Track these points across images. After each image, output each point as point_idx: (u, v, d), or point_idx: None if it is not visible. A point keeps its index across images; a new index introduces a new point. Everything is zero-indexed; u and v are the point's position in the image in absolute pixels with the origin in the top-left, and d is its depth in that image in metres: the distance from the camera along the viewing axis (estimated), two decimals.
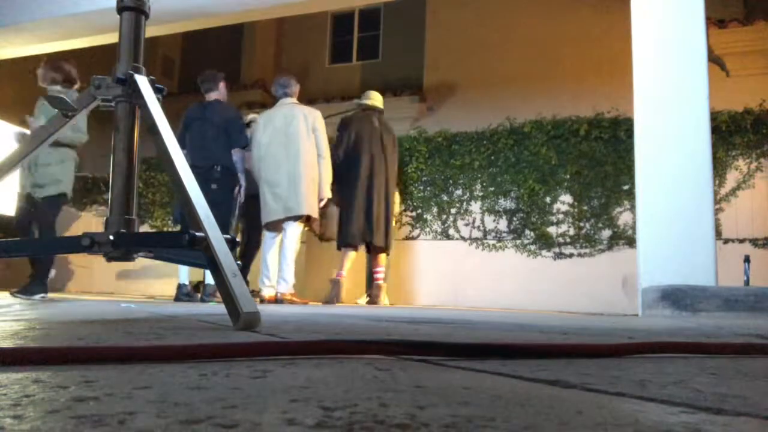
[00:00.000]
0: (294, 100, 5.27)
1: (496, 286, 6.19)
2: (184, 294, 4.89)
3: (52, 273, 4.91)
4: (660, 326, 2.16)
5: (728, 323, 2.48)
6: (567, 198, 6.19)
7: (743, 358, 0.98)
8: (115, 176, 1.59)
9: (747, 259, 5.14)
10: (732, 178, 5.73)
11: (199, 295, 4.90)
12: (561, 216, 6.18)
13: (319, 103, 10.03)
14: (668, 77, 3.77)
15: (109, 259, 1.58)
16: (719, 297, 3.24)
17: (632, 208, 5.60)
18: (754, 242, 5.58)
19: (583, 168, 6.11)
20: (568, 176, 6.17)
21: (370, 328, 1.65)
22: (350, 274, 5.69)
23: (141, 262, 6.68)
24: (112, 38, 5.80)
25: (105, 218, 1.60)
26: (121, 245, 1.51)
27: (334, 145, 5.59)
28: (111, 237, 1.49)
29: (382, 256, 5.70)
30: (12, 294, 4.37)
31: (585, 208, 6.11)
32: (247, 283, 3.74)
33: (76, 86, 4.71)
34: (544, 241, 6.16)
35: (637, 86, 3.84)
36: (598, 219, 6.05)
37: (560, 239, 6.14)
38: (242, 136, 4.96)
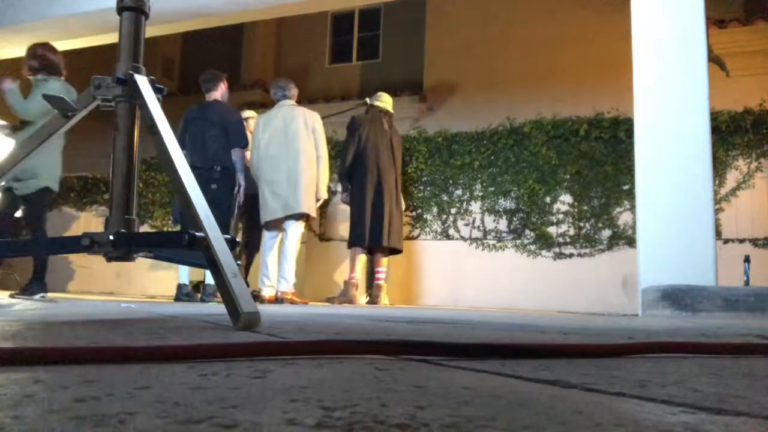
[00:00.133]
0: (293, 102, 5.28)
1: (496, 286, 6.19)
2: (184, 294, 4.90)
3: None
4: (660, 326, 2.16)
5: (728, 323, 2.48)
6: (567, 198, 6.18)
7: (743, 358, 0.98)
8: (115, 176, 1.59)
9: (747, 259, 5.14)
10: (732, 178, 5.73)
11: (199, 295, 4.90)
12: (561, 216, 6.18)
13: (319, 103, 10.05)
14: (668, 77, 3.76)
15: (109, 259, 1.58)
16: (719, 297, 3.25)
17: (632, 208, 5.60)
18: (754, 242, 5.58)
19: (583, 168, 6.10)
20: (568, 176, 6.17)
21: (371, 328, 1.65)
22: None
23: (141, 261, 6.69)
24: (112, 38, 5.82)
25: (105, 218, 1.60)
26: (121, 245, 1.51)
27: (345, 144, 5.57)
28: (111, 237, 1.49)
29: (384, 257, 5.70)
30: (11, 296, 4.36)
31: (585, 208, 6.11)
32: (247, 283, 3.75)
33: (61, 74, 4.44)
34: (544, 241, 6.15)
35: (637, 86, 3.83)
36: (598, 219, 6.05)
37: (560, 239, 6.14)
38: (242, 137, 4.97)
